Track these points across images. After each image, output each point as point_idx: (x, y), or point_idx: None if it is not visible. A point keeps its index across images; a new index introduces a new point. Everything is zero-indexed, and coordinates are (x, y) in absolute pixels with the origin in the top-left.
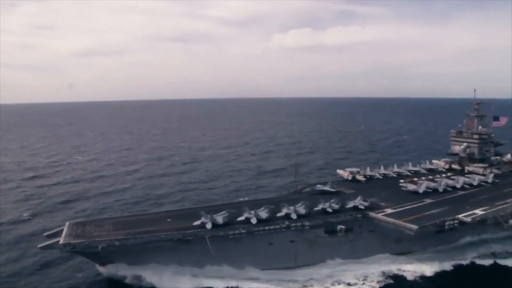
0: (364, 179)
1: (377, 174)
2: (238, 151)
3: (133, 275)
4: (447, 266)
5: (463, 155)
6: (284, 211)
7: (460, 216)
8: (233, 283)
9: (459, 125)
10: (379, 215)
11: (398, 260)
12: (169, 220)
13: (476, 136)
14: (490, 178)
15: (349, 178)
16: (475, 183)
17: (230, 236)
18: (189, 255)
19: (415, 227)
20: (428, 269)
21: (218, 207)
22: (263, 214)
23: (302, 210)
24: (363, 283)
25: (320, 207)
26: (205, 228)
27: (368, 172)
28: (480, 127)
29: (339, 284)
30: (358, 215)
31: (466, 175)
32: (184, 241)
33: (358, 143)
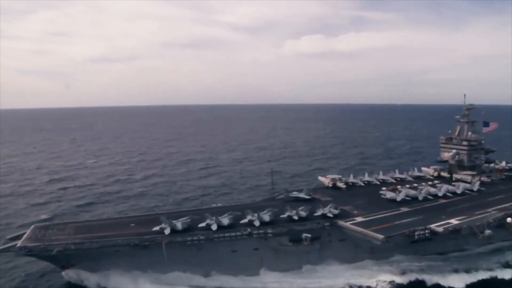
0: (344, 186)
1: (359, 182)
2: (252, 157)
3: (94, 280)
4: (423, 277)
5: (452, 162)
6: (247, 218)
7: (432, 226)
8: None
9: (449, 131)
10: (347, 224)
11: (369, 271)
12: (132, 225)
13: (465, 143)
14: (476, 186)
15: (330, 185)
16: (459, 191)
17: (188, 242)
18: (149, 261)
19: (381, 236)
20: (401, 280)
21: (182, 213)
22: (225, 220)
23: (266, 217)
24: None
25: (286, 214)
26: (163, 233)
27: (351, 179)
28: (469, 133)
29: None
30: (326, 224)
31: (453, 183)
32: (142, 247)
33: (373, 149)
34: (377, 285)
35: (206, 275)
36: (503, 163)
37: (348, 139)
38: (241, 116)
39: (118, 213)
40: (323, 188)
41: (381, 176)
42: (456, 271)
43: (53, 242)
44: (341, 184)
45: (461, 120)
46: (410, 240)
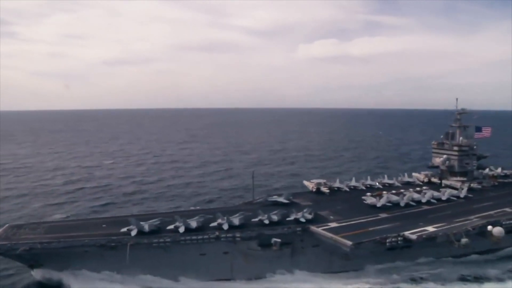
0: (328, 191)
1: (344, 187)
2: (265, 160)
3: (63, 279)
4: (400, 286)
5: (443, 167)
6: (217, 221)
7: (406, 233)
8: None
9: (441, 136)
10: (319, 229)
11: (344, 279)
12: (104, 226)
13: (456, 148)
14: (463, 193)
15: (314, 189)
16: (444, 198)
17: (154, 244)
18: (117, 262)
19: (349, 243)
20: None
21: (152, 215)
22: (193, 223)
23: (236, 221)
24: None
25: (258, 218)
26: (130, 235)
27: (337, 184)
28: (461, 138)
29: None
30: (298, 229)
31: (441, 189)
32: (109, 248)
33: (386, 153)
34: None
35: (175, 278)
36: (499, 170)
37: (361, 143)
38: (255, 120)
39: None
40: (307, 192)
41: (368, 182)
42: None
43: (20, 241)
44: (324, 189)
45: (453, 125)
46: (385, 247)
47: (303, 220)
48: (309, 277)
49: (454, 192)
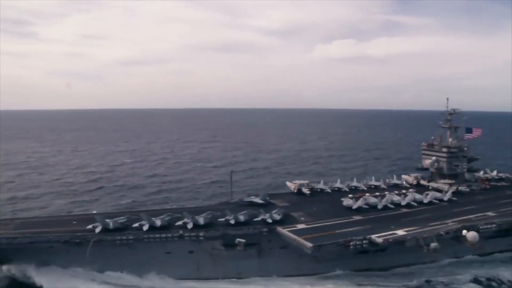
0: (309, 192)
1: (327, 188)
2: (285, 162)
3: (32, 275)
4: None
5: (432, 169)
6: (182, 220)
7: (373, 236)
8: None
9: (432, 137)
10: (284, 230)
11: (312, 281)
12: (74, 222)
13: (445, 150)
14: (446, 196)
15: (295, 190)
16: (425, 201)
17: (117, 241)
18: (83, 259)
19: (309, 245)
20: None
21: (120, 213)
22: (158, 221)
23: (201, 220)
24: None
25: (224, 218)
26: (94, 231)
27: (321, 185)
28: (450, 139)
29: None
30: (264, 229)
31: (427, 192)
32: (74, 244)
33: (400, 154)
34: None
35: (142, 275)
36: (494, 172)
37: (382, 144)
38: (272, 120)
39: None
40: (287, 193)
41: (354, 183)
42: None
43: None
44: (305, 190)
45: (443, 125)
46: (350, 250)
47: (270, 220)
48: (277, 279)
49: (438, 195)
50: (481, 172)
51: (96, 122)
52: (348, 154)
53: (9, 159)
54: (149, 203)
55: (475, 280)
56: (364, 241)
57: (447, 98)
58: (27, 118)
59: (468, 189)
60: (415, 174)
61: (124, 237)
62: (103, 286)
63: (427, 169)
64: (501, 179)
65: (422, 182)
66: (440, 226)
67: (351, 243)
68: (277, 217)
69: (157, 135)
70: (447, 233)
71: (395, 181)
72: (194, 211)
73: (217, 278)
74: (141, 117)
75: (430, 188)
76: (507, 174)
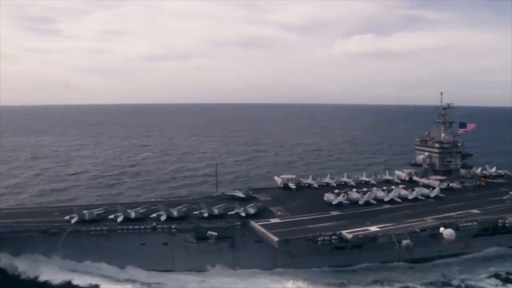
0: (295, 187)
1: (314, 183)
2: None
3: (15, 264)
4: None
5: (425, 165)
6: (157, 213)
7: (343, 232)
8: (106, 281)
9: (426, 133)
10: (255, 224)
11: (285, 276)
12: (56, 213)
13: (437, 145)
14: (434, 193)
15: (282, 185)
16: (410, 197)
17: (92, 232)
18: (62, 249)
19: (276, 239)
20: None
21: (98, 205)
22: (133, 213)
23: (175, 212)
24: None
25: (199, 211)
26: (70, 222)
27: (309, 180)
28: (443, 135)
29: None
30: (237, 223)
31: (416, 188)
32: (51, 234)
33: None
34: None
35: (119, 266)
36: (493, 169)
37: (398, 139)
38: (293, 115)
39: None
40: (274, 188)
41: (344, 179)
42: None
43: None
44: (292, 185)
45: (437, 120)
46: (334, 246)
47: (243, 214)
48: (250, 273)
49: (425, 191)
50: (479, 169)
51: (118, 117)
52: (366, 151)
53: (37, 151)
54: (166, 195)
55: (495, 276)
56: (333, 237)
57: (441, 93)
58: (52, 112)
59: (459, 186)
60: (409, 170)
61: (98, 228)
62: (81, 275)
63: (420, 165)
64: (499, 176)
65: (415, 178)
66: (417, 223)
67: (319, 239)
68: (252, 211)
69: (180, 130)
70: (423, 230)
71: (387, 176)
72: (171, 204)
73: (192, 271)
74: (163, 112)
75: (420, 184)
76: (507, 171)
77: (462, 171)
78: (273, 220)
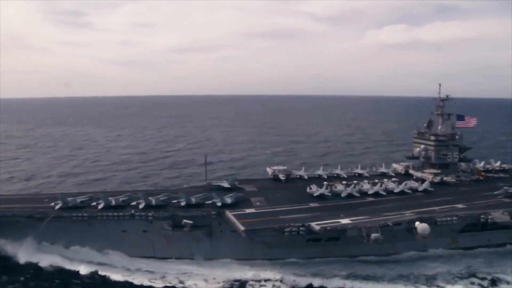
0: (284, 178)
1: (304, 175)
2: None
3: (7, 247)
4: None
5: (421, 158)
6: (136, 201)
7: (312, 223)
8: (88, 265)
9: (425, 125)
10: (229, 213)
11: (262, 266)
12: (46, 200)
13: (433, 138)
14: (422, 186)
15: (272, 176)
16: (397, 190)
17: (73, 218)
18: (50, 234)
19: (242, 228)
20: (288, 279)
21: (82, 193)
22: (113, 201)
23: (153, 201)
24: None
25: (177, 200)
26: (54, 208)
27: (302, 172)
28: (439, 127)
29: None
30: (213, 212)
31: (406, 182)
32: (37, 219)
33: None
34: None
35: (102, 251)
36: (498, 163)
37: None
38: (324, 107)
39: None
40: (264, 179)
41: (337, 171)
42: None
43: None
44: (281, 176)
45: (435, 112)
46: (309, 237)
47: (219, 204)
48: (227, 262)
49: (414, 185)
50: (482, 163)
51: (149, 108)
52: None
53: (76, 142)
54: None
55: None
56: (301, 228)
57: (439, 84)
58: (84, 104)
59: (453, 180)
60: (406, 163)
61: (80, 214)
62: (65, 260)
63: (417, 157)
64: (502, 171)
65: (411, 171)
66: (393, 217)
67: (286, 229)
68: (228, 200)
69: (213, 121)
70: (397, 224)
71: (383, 169)
72: (153, 193)
73: (172, 258)
74: (193, 103)
75: (414, 177)
76: (511, 166)
77: (463, 165)
78: (248, 210)
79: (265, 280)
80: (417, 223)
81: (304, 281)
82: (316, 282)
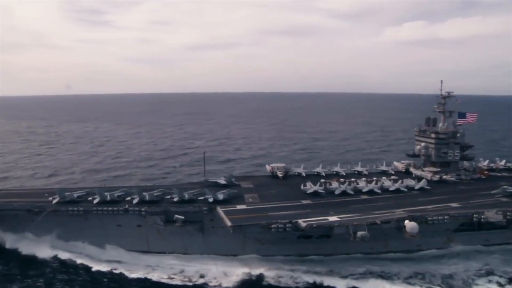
0: (282, 175)
1: (303, 172)
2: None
3: (7, 240)
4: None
5: (422, 156)
6: (131, 196)
7: (299, 220)
8: (87, 259)
9: (423, 123)
10: (219, 209)
11: (254, 262)
12: (46, 195)
13: (433, 135)
14: (419, 185)
15: (270, 173)
16: (392, 188)
17: (69, 212)
18: (49, 228)
19: (229, 223)
20: (279, 274)
21: (79, 188)
22: (108, 196)
23: (147, 196)
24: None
25: (170, 196)
26: (52, 202)
27: (300, 169)
28: (440, 125)
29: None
30: (204, 208)
31: (404, 180)
32: (35, 213)
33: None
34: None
35: (99, 245)
36: (503, 162)
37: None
38: (345, 105)
39: None
40: (262, 176)
41: (337, 168)
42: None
43: None
44: (279, 173)
45: (437, 110)
46: (300, 234)
47: (210, 200)
48: (219, 257)
49: (411, 183)
50: (487, 161)
51: (168, 105)
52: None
53: (97, 139)
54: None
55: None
56: (287, 225)
57: (441, 81)
58: (104, 102)
59: (453, 178)
60: (408, 161)
61: (75, 209)
62: (66, 253)
63: (418, 155)
64: (507, 170)
65: (412, 169)
66: (383, 215)
67: (272, 226)
68: (220, 197)
69: (232, 119)
70: (386, 222)
71: (383, 167)
72: (146, 189)
73: (165, 252)
74: (210, 101)
75: (413, 176)
76: None
77: (465, 163)
78: (239, 207)
79: (257, 276)
80: (406, 221)
81: (298, 278)
82: (310, 279)
